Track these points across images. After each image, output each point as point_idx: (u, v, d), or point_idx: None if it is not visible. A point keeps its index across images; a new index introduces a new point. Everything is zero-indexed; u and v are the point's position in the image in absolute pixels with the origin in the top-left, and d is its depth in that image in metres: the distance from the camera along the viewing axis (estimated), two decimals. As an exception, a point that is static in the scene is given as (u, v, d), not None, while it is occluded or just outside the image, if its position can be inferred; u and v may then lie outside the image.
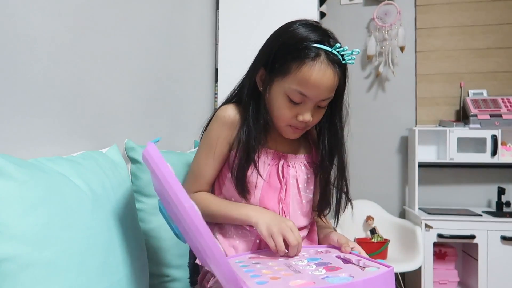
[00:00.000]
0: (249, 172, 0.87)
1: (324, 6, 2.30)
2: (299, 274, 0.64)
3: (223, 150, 0.90)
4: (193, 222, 0.49)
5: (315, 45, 0.80)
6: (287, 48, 0.82)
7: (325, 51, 0.80)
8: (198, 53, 1.70)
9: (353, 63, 0.85)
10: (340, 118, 0.91)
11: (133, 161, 0.99)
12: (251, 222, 0.82)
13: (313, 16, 1.74)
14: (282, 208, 0.89)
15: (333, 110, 0.90)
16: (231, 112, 0.89)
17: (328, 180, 0.93)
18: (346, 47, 0.82)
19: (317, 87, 0.81)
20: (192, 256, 0.95)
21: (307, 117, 0.84)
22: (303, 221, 0.92)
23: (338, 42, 0.82)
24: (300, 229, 0.91)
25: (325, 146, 0.92)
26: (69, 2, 0.83)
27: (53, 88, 0.79)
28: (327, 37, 0.82)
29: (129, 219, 0.79)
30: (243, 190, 0.87)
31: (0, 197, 0.51)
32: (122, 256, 0.72)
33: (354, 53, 0.82)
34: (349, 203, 0.94)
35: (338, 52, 0.81)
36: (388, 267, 0.65)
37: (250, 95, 0.89)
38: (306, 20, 0.86)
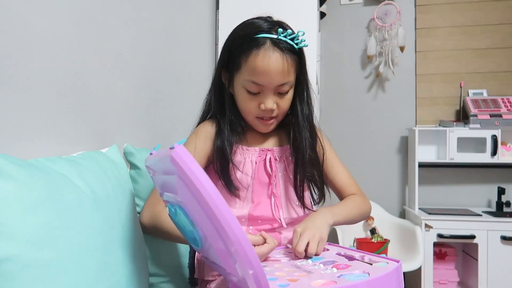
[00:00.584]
0: (237, 175, 0.88)
1: (324, 6, 2.30)
2: (313, 274, 0.62)
3: (202, 160, 0.91)
4: (232, 230, 0.48)
5: (261, 35, 0.83)
6: (237, 44, 0.86)
7: (270, 38, 0.83)
8: (198, 53, 1.70)
9: (306, 45, 0.86)
10: (301, 101, 0.92)
11: (132, 166, 0.98)
12: None
13: (313, 16, 1.74)
14: (274, 202, 0.90)
15: (294, 95, 0.92)
16: (207, 126, 0.93)
17: (300, 167, 0.91)
18: (289, 31, 0.84)
19: (265, 72, 0.83)
20: (192, 256, 0.95)
21: (268, 104, 0.86)
22: (297, 212, 0.93)
23: (288, 30, 0.84)
24: (296, 220, 0.92)
25: (295, 132, 0.92)
26: (69, 2, 0.83)
27: (53, 88, 0.79)
28: (273, 27, 0.84)
29: (129, 219, 0.79)
30: (234, 191, 0.88)
31: (0, 197, 0.51)
32: (122, 256, 0.72)
33: (300, 33, 0.84)
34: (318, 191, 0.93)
35: (285, 38, 0.83)
36: (396, 261, 0.65)
37: (218, 98, 0.93)
38: (259, 17, 0.89)
